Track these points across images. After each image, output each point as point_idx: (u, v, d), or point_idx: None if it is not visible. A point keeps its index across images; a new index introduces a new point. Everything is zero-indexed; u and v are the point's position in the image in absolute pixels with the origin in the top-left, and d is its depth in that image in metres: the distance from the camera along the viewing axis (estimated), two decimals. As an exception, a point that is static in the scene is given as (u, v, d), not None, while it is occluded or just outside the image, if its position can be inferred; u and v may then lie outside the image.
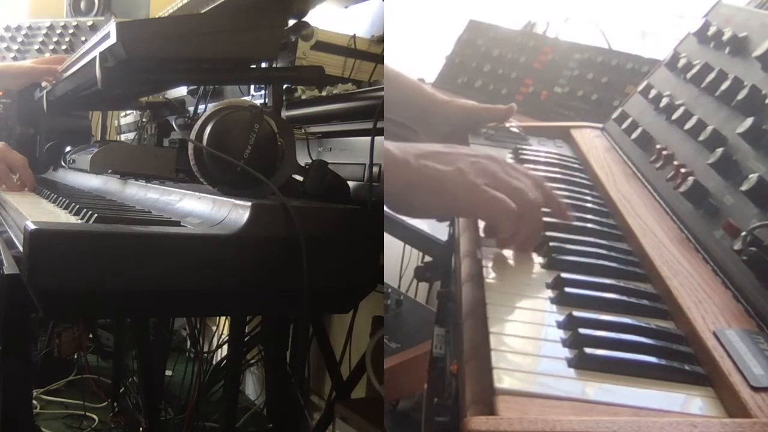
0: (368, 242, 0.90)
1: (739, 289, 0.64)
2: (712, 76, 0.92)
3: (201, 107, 1.60)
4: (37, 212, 1.08)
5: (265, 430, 2.18)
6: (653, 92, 1.07)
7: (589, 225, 0.83)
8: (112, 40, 1.00)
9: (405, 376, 1.54)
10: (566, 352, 0.56)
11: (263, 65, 1.25)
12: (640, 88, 1.13)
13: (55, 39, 2.45)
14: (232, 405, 1.76)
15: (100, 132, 2.38)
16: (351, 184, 1.01)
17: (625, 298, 0.66)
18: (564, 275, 0.69)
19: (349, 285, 0.91)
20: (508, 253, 0.78)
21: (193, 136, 0.89)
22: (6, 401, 0.98)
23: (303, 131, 1.25)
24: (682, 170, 0.85)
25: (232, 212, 0.84)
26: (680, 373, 0.54)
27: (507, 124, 1.19)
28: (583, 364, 0.54)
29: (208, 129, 0.88)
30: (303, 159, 1.05)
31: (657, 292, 0.68)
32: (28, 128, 2.16)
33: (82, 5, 2.62)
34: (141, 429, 2.12)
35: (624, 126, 1.10)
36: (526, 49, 1.74)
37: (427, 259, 1.78)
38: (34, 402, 2.35)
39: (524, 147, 1.12)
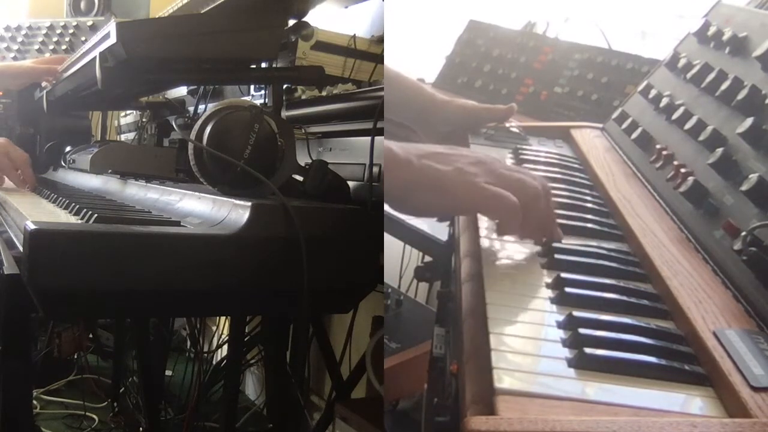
0: (368, 242, 0.90)
1: (739, 289, 0.64)
2: (712, 76, 0.92)
3: (201, 107, 1.60)
4: (37, 212, 1.08)
5: (265, 430, 2.18)
6: (653, 92, 1.07)
7: (589, 225, 0.83)
8: (112, 40, 1.00)
9: (405, 376, 1.54)
10: (566, 352, 0.56)
11: (263, 65, 1.25)
12: (640, 88, 1.13)
13: (55, 39, 2.45)
14: (232, 405, 1.76)
15: (100, 132, 2.38)
16: (351, 184, 1.01)
17: (625, 298, 0.66)
18: (564, 275, 0.69)
19: (349, 285, 0.91)
20: (508, 252, 0.78)
21: (193, 136, 0.89)
22: (6, 401, 0.98)
23: (303, 131, 1.25)
24: (682, 170, 0.85)
25: (232, 212, 0.84)
26: (680, 373, 0.54)
27: (507, 124, 1.19)
28: (583, 364, 0.54)
29: (208, 129, 0.88)
30: (303, 159, 1.05)
31: (657, 292, 0.68)
32: (28, 128, 2.16)
33: (82, 5, 2.62)
34: (141, 429, 2.12)
35: (624, 126, 1.10)
36: (526, 49, 1.74)
37: (427, 259, 1.78)
38: (34, 402, 2.35)
39: (524, 147, 1.12)
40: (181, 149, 1.18)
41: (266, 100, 1.38)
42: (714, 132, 0.83)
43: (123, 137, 2.32)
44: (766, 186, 0.68)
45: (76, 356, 2.60)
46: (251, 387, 2.61)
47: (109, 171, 1.42)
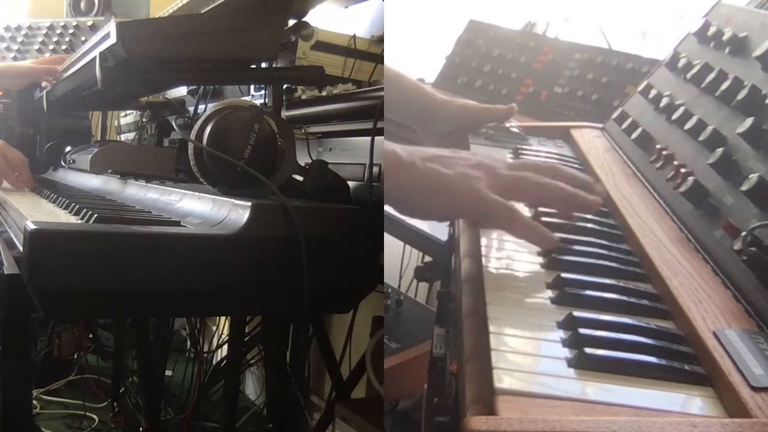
0: (368, 242, 0.90)
1: (739, 289, 0.64)
2: (712, 76, 0.92)
3: (201, 107, 1.60)
4: (37, 212, 1.08)
5: (265, 430, 2.18)
6: (653, 92, 1.07)
7: (589, 225, 0.83)
8: (112, 40, 1.00)
9: (405, 376, 1.54)
10: (566, 352, 0.56)
11: (263, 65, 1.25)
12: (640, 88, 1.13)
13: (55, 39, 2.45)
14: (232, 405, 1.76)
15: (100, 132, 2.38)
16: (351, 184, 1.01)
17: (625, 298, 0.66)
18: (564, 275, 0.69)
19: (349, 285, 0.91)
20: (508, 253, 0.78)
21: (193, 136, 0.89)
22: (6, 401, 0.98)
23: (303, 131, 1.25)
24: (682, 170, 0.85)
25: (232, 212, 0.84)
26: (680, 373, 0.54)
27: (507, 124, 1.19)
28: (583, 364, 0.54)
29: (208, 129, 0.88)
30: (303, 159, 1.05)
31: (657, 292, 0.68)
32: (28, 128, 2.16)
33: (82, 5, 2.62)
34: (141, 429, 2.12)
35: (624, 126, 1.10)
36: (526, 49, 1.74)
37: (427, 259, 1.79)
38: (34, 402, 2.35)
39: (524, 147, 1.12)
40: (181, 149, 1.18)
41: (266, 100, 1.38)
42: (714, 132, 0.83)
43: (123, 137, 2.32)
44: (766, 186, 0.68)
45: (76, 356, 2.60)
46: (251, 387, 2.61)
47: (109, 171, 1.42)
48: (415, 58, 1.82)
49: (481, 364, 0.56)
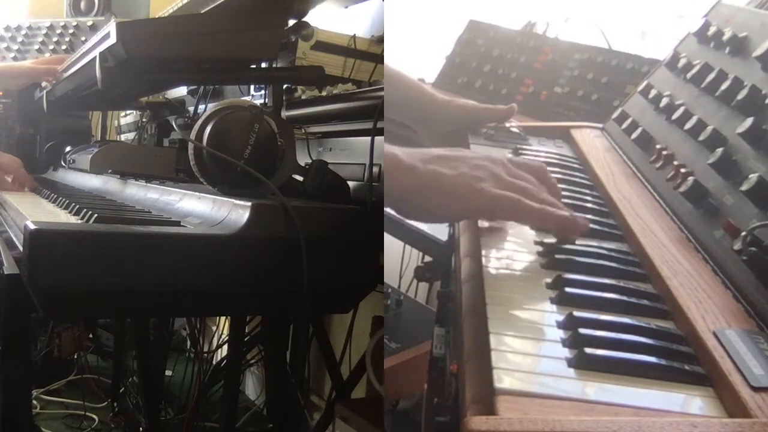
0: (368, 242, 0.90)
1: (739, 289, 0.64)
2: (712, 76, 0.92)
3: (201, 107, 1.60)
4: (37, 212, 1.08)
5: (265, 430, 2.18)
6: (653, 92, 1.07)
7: (589, 225, 0.83)
8: (112, 40, 1.00)
9: (405, 376, 1.54)
10: (566, 352, 0.56)
11: (263, 65, 1.25)
12: (640, 88, 1.13)
13: (55, 39, 2.45)
14: (232, 405, 1.76)
15: (100, 132, 2.38)
16: (351, 184, 1.01)
17: (625, 298, 0.66)
18: (564, 275, 0.69)
19: (349, 285, 0.91)
20: (508, 252, 0.78)
21: (193, 136, 0.89)
22: (6, 401, 0.98)
23: (303, 131, 1.25)
24: (682, 170, 0.85)
25: (232, 212, 0.84)
26: (680, 373, 0.54)
27: (507, 124, 1.19)
28: (583, 364, 0.54)
29: (208, 129, 0.88)
30: (303, 159, 1.05)
31: (657, 292, 0.68)
32: (28, 128, 2.16)
33: (82, 5, 2.62)
34: (141, 429, 2.12)
35: (624, 126, 1.10)
36: (526, 49, 1.74)
37: (427, 259, 1.79)
38: (34, 402, 2.35)
39: (524, 147, 1.12)
40: (181, 149, 1.18)
41: (266, 100, 1.38)
42: (714, 132, 0.83)
43: (123, 137, 2.32)
44: (766, 186, 0.68)
45: (76, 356, 2.60)
46: (251, 387, 2.61)
47: (109, 171, 1.42)
48: (415, 58, 1.82)
49: (481, 364, 0.56)
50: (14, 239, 0.91)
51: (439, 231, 1.54)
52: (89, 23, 2.48)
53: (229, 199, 0.87)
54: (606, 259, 0.74)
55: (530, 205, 0.77)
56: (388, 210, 0.84)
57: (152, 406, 2.04)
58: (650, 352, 0.56)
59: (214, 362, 2.21)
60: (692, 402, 0.52)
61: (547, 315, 0.63)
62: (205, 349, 2.17)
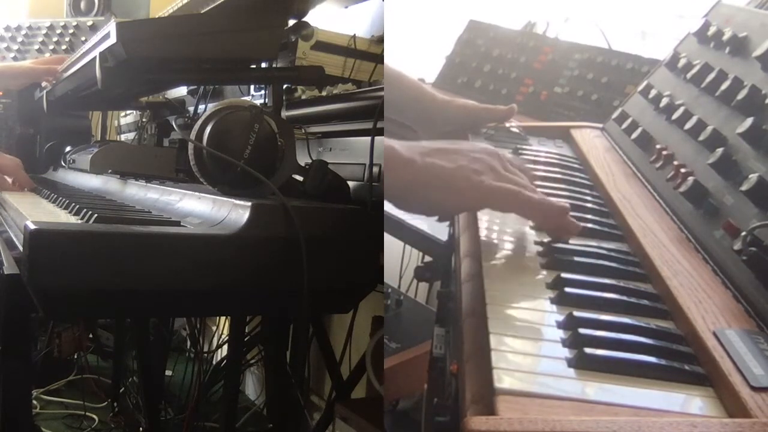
0: (368, 242, 0.90)
1: (739, 289, 0.64)
2: (712, 76, 0.92)
3: (201, 107, 1.60)
4: (37, 212, 1.08)
5: (265, 430, 2.18)
6: (653, 92, 1.07)
7: (589, 225, 0.83)
8: (112, 40, 1.00)
9: (405, 376, 1.54)
10: (566, 352, 0.56)
11: (263, 65, 1.25)
12: (640, 88, 1.13)
13: (55, 39, 2.45)
14: (232, 405, 1.76)
15: (100, 132, 2.39)
16: (351, 184, 1.01)
17: (625, 298, 0.66)
18: (564, 275, 0.69)
19: (349, 285, 0.91)
20: (508, 252, 0.78)
21: (193, 136, 0.89)
22: (6, 401, 0.98)
23: (303, 131, 1.25)
24: (682, 170, 0.85)
25: (232, 212, 0.84)
26: (680, 373, 0.54)
27: (507, 124, 1.19)
28: (583, 364, 0.54)
29: (208, 129, 0.88)
30: (303, 159, 1.05)
31: (657, 292, 0.68)
32: (28, 128, 2.16)
33: (82, 5, 2.62)
34: (141, 429, 2.12)
35: (624, 126, 1.10)
36: (526, 49, 1.74)
37: (427, 259, 1.78)
38: (34, 402, 2.35)
39: (524, 147, 1.12)
40: (181, 149, 1.18)
41: (266, 100, 1.38)
42: (714, 132, 0.83)
43: (123, 137, 2.32)
44: (766, 186, 0.68)
45: (76, 356, 2.60)
46: (251, 387, 2.61)
47: (109, 171, 1.42)
48: (415, 58, 1.82)
49: (481, 364, 0.56)
50: (14, 239, 0.91)
51: (439, 231, 1.54)
52: (89, 23, 2.48)
53: (229, 199, 0.87)
54: (606, 259, 0.74)
55: (531, 196, 0.77)
56: (387, 205, 0.84)
57: (152, 406, 2.04)
58: (650, 352, 0.56)
59: (214, 362, 2.21)
60: (692, 402, 0.52)
61: (547, 315, 0.63)
62: (205, 349, 2.17)
